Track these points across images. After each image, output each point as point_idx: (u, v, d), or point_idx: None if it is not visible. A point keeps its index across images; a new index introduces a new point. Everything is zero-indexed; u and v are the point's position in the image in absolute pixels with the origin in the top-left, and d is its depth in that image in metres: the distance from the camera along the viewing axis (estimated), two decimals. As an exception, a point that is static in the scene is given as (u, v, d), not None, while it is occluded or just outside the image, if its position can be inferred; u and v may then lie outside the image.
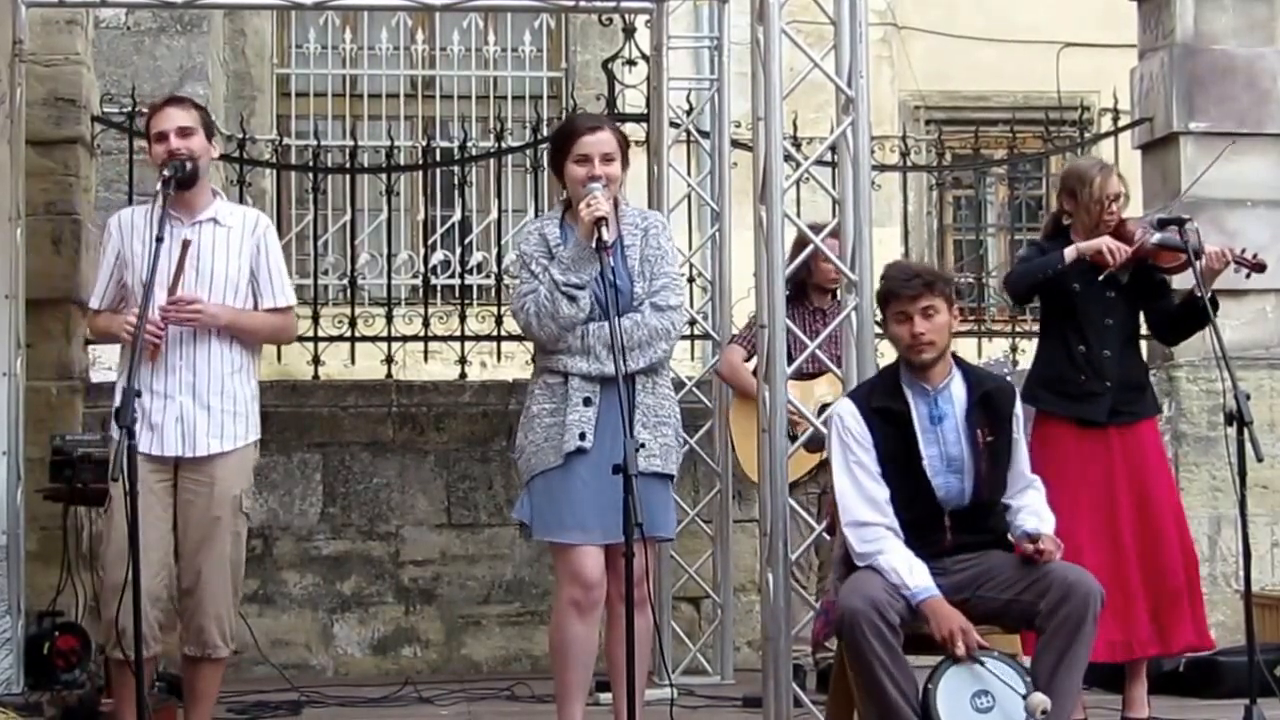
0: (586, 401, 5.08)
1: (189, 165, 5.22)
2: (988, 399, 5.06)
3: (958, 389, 5.05)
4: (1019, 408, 5.14)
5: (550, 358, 5.15)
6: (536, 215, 9.09)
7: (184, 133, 5.29)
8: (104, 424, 5.52)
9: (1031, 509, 5.06)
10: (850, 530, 4.95)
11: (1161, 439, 6.29)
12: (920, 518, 4.96)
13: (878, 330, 5.57)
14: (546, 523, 5.12)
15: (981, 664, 4.70)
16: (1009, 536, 5.04)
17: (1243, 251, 6.14)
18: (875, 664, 4.71)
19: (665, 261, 5.21)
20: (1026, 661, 4.86)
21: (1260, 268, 6.21)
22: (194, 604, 5.21)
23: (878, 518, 4.92)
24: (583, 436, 5.05)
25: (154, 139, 5.29)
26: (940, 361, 5.04)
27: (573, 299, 5.04)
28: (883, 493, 4.94)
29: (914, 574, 4.83)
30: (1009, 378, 5.47)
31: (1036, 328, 6.34)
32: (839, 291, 6.95)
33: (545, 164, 9.07)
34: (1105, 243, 5.89)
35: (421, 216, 10.23)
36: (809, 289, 7.11)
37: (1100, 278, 5.92)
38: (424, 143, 9.63)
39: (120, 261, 5.38)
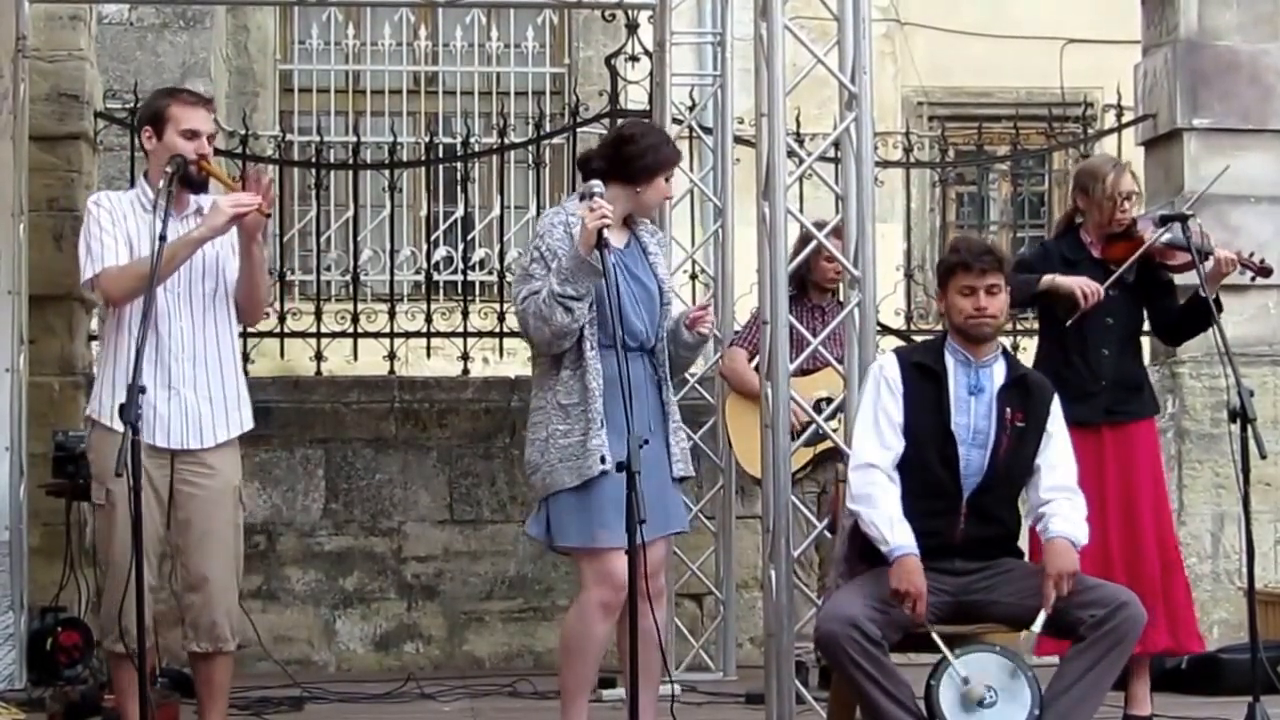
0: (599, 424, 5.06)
1: (202, 170, 5.17)
2: (1024, 382, 5.08)
3: (999, 368, 5.06)
4: (1058, 406, 5.11)
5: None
6: (538, 211, 9.19)
7: (211, 139, 5.25)
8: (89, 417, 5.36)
9: (1066, 517, 4.97)
10: (854, 471, 4.98)
11: (1157, 440, 6.29)
12: (938, 493, 4.95)
13: (879, 326, 5.56)
14: (580, 529, 5.07)
15: (930, 635, 4.73)
16: (1038, 533, 5.01)
17: (1250, 255, 6.15)
18: (864, 681, 4.72)
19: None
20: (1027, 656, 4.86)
21: (1266, 272, 6.22)
22: (204, 599, 5.16)
23: (884, 464, 4.93)
24: (603, 459, 5.02)
25: (185, 134, 5.14)
26: (992, 340, 5.06)
27: (569, 310, 5.00)
28: (897, 445, 4.95)
29: (895, 530, 4.83)
30: None
31: (1038, 325, 6.34)
32: (841, 289, 6.96)
33: (547, 160, 9.15)
34: (1080, 284, 5.91)
35: (424, 212, 10.20)
36: (809, 286, 7.09)
37: (1108, 289, 5.94)
38: (427, 139, 9.61)
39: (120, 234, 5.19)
